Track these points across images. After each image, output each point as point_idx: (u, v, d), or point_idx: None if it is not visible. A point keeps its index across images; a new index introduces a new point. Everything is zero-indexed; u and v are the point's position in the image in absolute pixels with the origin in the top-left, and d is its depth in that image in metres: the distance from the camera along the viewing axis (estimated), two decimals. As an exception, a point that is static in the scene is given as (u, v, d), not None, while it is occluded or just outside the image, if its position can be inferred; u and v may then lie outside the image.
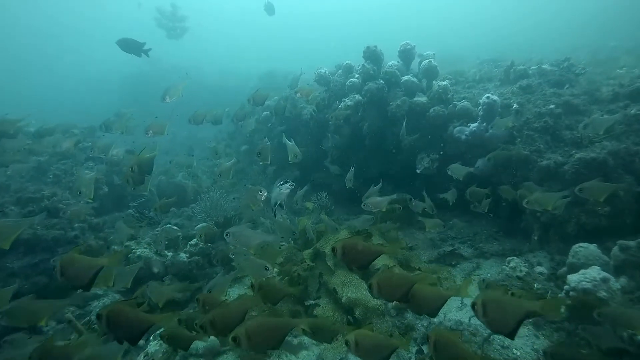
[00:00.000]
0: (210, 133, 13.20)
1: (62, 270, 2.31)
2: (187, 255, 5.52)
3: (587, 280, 2.85)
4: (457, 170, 4.80)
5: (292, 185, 3.98)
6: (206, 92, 19.43)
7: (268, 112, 10.01)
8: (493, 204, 5.26)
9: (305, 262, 4.89)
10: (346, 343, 2.28)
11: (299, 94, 6.36)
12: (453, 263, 4.91)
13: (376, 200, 4.39)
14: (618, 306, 2.56)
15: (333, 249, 2.42)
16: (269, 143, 4.07)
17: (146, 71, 24.05)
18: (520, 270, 4.04)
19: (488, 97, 4.95)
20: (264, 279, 3.18)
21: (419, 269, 4.80)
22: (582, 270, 2.98)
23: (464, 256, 4.95)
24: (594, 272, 2.90)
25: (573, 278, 2.96)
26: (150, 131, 5.01)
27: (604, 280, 2.84)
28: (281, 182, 5.08)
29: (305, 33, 32.73)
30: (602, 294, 2.80)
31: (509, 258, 4.29)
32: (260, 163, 3.83)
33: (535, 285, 3.85)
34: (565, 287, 3.04)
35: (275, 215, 4.83)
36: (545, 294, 3.69)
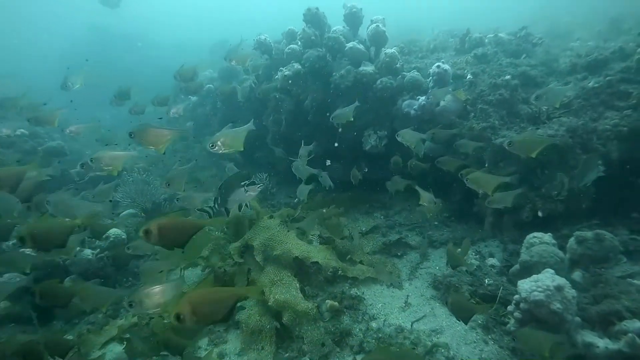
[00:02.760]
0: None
1: None
2: (96, 251, 4.69)
3: (540, 290, 2.36)
4: (408, 136, 4.11)
5: (260, 187, 3.14)
6: (152, 67, 17.88)
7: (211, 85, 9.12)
8: (445, 185, 4.80)
9: (233, 256, 4.23)
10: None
11: (233, 62, 5.52)
12: (399, 254, 4.40)
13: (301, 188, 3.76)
14: (531, 329, 2.24)
15: (146, 232, 2.04)
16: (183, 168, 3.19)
17: (90, 42, 22.00)
18: (471, 265, 3.57)
19: (439, 66, 4.37)
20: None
21: (361, 262, 4.28)
22: (535, 277, 2.50)
23: (411, 245, 4.45)
24: (547, 279, 2.42)
25: (524, 286, 2.47)
26: (34, 120, 4.14)
27: (558, 289, 2.37)
28: (247, 183, 4.26)
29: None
30: (556, 305, 2.32)
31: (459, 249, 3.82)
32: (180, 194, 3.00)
33: (487, 281, 3.40)
34: (516, 297, 2.55)
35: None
36: (497, 291, 3.24)
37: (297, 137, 6.23)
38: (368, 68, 5.27)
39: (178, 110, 6.36)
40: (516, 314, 2.48)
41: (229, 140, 3.05)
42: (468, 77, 4.56)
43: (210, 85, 9.02)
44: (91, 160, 2.95)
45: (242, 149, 3.08)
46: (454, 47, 6.35)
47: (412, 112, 4.71)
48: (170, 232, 2.12)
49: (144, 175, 6.28)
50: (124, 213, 6.22)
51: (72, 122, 5.10)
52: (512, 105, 4.08)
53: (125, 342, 3.56)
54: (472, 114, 4.21)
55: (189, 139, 8.35)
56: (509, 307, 2.59)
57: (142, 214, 6.02)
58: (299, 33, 5.85)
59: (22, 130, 6.68)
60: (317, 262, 3.90)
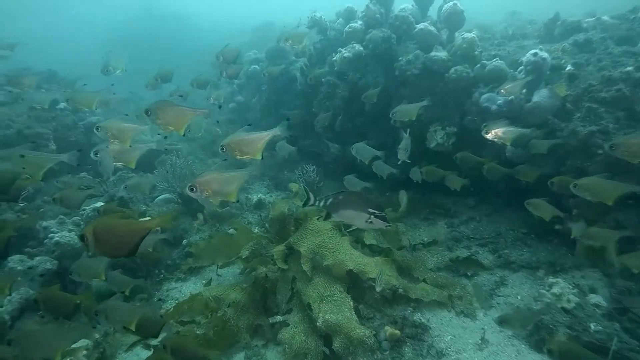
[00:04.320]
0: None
1: None
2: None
3: None
4: (501, 131, 3.38)
5: (388, 227, 2.51)
6: (193, 48, 17.67)
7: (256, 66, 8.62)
8: (522, 194, 4.08)
9: (276, 261, 3.72)
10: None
11: (289, 42, 4.94)
12: (469, 274, 3.74)
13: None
14: None
15: (81, 237, 1.81)
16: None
17: (136, 19, 22.24)
18: (568, 301, 2.88)
19: (535, 54, 3.60)
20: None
21: (424, 280, 3.67)
22: None
23: (483, 265, 3.78)
24: None
25: None
26: (74, 104, 3.93)
27: None
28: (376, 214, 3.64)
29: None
30: None
31: (551, 280, 3.12)
32: None
33: (592, 327, 2.70)
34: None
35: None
36: (609, 342, 2.55)
37: (349, 127, 5.66)
38: (440, 54, 4.55)
39: (218, 97, 5.92)
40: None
41: (243, 145, 2.54)
42: (567, 68, 3.76)
43: (256, 66, 8.53)
44: (97, 129, 2.64)
45: (260, 158, 2.58)
46: (536, 34, 5.49)
47: (494, 107, 3.98)
48: (110, 237, 1.81)
49: (183, 159, 5.90)
50: (159, 197, 5.86)
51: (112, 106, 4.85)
52: (632, 104, 3.28)
53: (153, 351, 3.19)
54: (578, 114, 3.44)
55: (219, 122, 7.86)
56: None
57: (179, 200, 5.64)
58: (361, 10, 5.18)
59: (64, 103, 6.47)
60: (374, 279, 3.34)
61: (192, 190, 2.32)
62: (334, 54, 5.58)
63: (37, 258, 3.98)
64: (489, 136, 3.29)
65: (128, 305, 2.64)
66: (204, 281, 4.29)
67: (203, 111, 2.83)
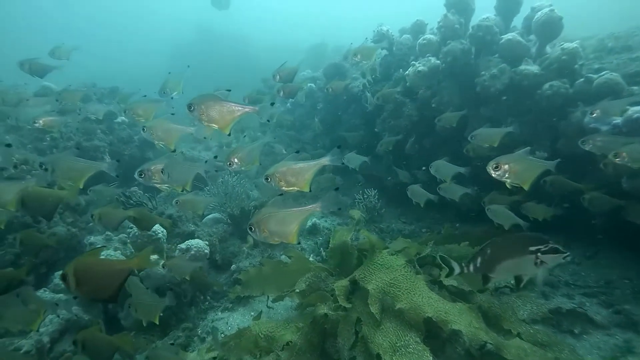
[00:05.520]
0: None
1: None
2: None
3: None
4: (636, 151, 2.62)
5: (567, 257, 2.06)
6: (250, 70, 18.12)
7: (312, 85, 8.39)
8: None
9: (338, 298, 3.19)
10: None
11: (358, 57, 4.56)
12: (576, 331, 3.00)
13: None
14: None
15: (63, 277, 1.72)
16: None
17: (195, 40, 23.37)
18: None
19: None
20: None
21: (519, 335, 2.98)
22: None
23: (595, 322, 3.03)
24: None
25: None
26: (133, 115, 3.86)
27: None
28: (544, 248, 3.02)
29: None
30: None
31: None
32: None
33: None
34: None
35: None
36: None
37: (416, 149, 5.12)
38: (532, 67, 3.96)
39: (271, 117, 5.72)
40: None
41: (290, 175, 2.36)
42: None
43: (312, 84, 8.30)
44: (143, 129, 2.65)
45: (307, 190, 2.41)
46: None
47: (605, 128, 3.30)
48: (91, 278, 1.75)
49: (235, 177, 5.61)
50: (208, 217, 5.58)
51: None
52: None
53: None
54: None
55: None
56: None
57: (228, 221, 5.32)
58: (439, 20, 4.69)
59: (122, 117, 6.49)
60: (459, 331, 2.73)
61: (250, 229, 2.12)
62: (401, 70, 5.14)
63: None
64: (618, 160, 2.60)
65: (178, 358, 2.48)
66: (252, 313, 3.86)
67: (253, 109, 2.53)
